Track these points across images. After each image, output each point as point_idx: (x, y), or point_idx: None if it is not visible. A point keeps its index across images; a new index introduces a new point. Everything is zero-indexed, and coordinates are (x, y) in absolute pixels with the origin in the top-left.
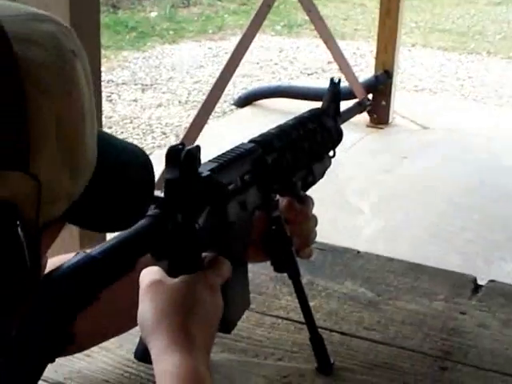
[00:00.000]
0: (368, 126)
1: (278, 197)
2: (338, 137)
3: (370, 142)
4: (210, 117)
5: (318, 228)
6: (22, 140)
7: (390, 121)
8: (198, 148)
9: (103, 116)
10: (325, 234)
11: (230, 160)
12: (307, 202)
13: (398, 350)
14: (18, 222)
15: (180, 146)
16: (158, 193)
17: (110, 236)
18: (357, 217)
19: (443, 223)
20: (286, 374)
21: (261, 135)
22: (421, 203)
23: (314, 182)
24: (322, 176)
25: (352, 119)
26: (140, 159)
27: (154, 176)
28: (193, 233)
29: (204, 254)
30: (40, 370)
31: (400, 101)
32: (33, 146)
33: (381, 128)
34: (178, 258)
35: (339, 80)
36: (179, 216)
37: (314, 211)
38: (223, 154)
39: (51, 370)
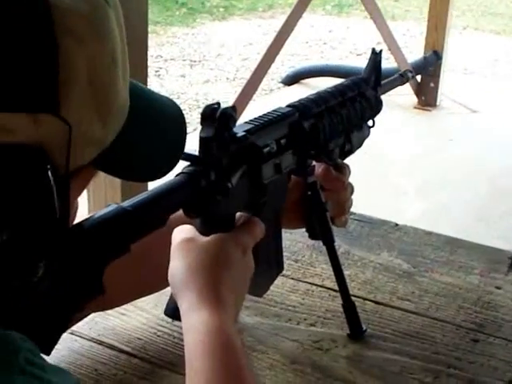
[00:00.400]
0: (415, 108)
1: (314, 163)
2: (377, 106)
3: (417, 123)
4: (257, 94)
5: (361, 207)
6: (52, 83)
7: (437, 103)
8: (233, 108)
9: None
10: (368, 213)
11: (266, 122)
12: (344, 170)
13: (431, 320)
14: (48, 166)
15: (216, 105)
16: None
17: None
18: (400, 198)
19: (487, 207)
20: (318, 339)
21: (299, 100)
22: (465, 187)
23: (351, 151)
24: (360, 145)
25: (399, 101)
26: (173, 111)
27: (185, 127)
28: (225, 191)
29: (237, 215)
30: (67, 319)
31: (449, 83)
32: (62, 89)
33: (428, 110)
34: (210, 216)
35: (381, 50)
36: (212, 174)
37: (358, 191)
38: (260, 116)
39: (86, 327)
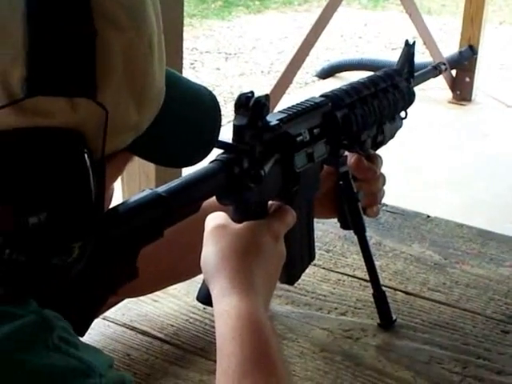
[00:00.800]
0: (450, 102)
1: (346, 153)
2: (410, 98)
3: (452, 118)
4: (292, 87)
5: (394, 199)
6: (90, 69)
7: (472, 98)
8: (267, 97)
9: None
10: (401, 205)
11: (300, 112)
12: (376, 160)
13: (461, 311)
14: (85, 150)
15: (249, 94)
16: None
17: None
18: (434, 191)
19: None
20: (348, 328)
21: (332, 91)
22: (498, 181)
23: (383, 142)
24: (392, 137)
25: (434, 95)
26: (207, 99)
27: (220, 115)
28: (258, 179)
29: (270, 202)
30: (101, 301)
31: (484, 78)
32: (100, 75)
33: (463, 105)
34: (242, 203)
35: (414, 42)
36: (246, 161)
37: (391, 183)
38: (293, 105)
39: (119, 313)
